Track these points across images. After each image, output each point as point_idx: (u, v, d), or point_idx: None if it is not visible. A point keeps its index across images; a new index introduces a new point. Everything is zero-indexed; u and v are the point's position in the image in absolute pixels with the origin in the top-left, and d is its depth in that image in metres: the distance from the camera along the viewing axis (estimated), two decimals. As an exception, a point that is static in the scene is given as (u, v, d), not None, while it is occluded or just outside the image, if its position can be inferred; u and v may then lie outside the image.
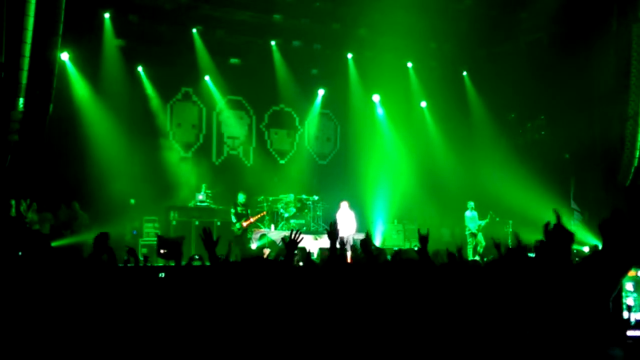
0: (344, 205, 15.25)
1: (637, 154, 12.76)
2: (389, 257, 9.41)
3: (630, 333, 5.07)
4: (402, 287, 5.36)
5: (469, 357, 4.63)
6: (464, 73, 18.32)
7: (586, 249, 13.46)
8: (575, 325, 4.27)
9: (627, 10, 13.29)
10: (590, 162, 14.60)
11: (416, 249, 10.16)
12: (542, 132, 16.87)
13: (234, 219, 14.14)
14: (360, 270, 5.54)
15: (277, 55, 17.09)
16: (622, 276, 5.37)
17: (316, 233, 15.61)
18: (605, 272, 4.39)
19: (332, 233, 5.68)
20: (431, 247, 7.42)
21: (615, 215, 4.29)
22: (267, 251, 12.91)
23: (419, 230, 5.84)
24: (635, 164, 12.71)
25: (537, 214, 14.37)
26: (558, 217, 4.75)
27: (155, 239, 13.33)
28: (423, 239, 5.73)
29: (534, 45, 15.64)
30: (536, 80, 15.58)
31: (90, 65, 14.62)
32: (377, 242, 16.08)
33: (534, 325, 4.51)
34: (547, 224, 4.78)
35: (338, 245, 5.84)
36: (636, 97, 12.91)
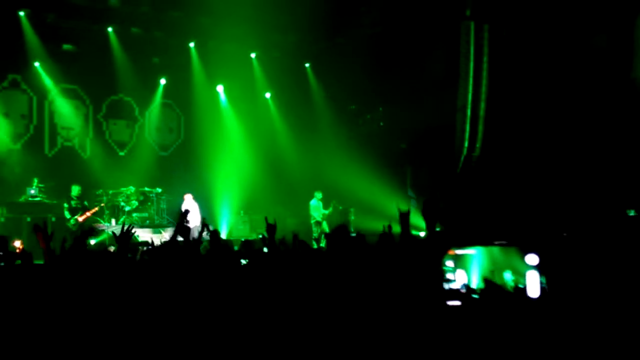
0: (188, 197, 14.98)
1: (466, 143, 13.66)
2: (236, 247, 9.38)
3: (449, 302, 5.65)
4: (252, 276, 5.39)
5: (313, 338, 4.73)
6: (307, 64, 18.61)
7: (422, 234, 14.26)
8: (406, 297, 4.56)
9: (456, 8, 14.16)
10: (425, 151, 15.41)
11: (261, 237, 10.23)
12: (381, 123, 17.55)
13: (67, 214, 13.40)
14: (209, 262, 5.48)
15: (114, 42, 16.33)
16: (443, 255, 5.83)
17: (160, 226, 15.18)
18: (428, 252, 4.71)
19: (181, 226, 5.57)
20: (278, 236, 7.46)
21: (430, 199, 4.60)
22: (112, 248, 12.40)
23: (266, 219, 5.88)
24: (465, 152, 13.61)
25: (377, 202, 15.03)
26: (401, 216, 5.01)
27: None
28: (270, 228, 5.78)
29: (374, 38, 16.19)
30: (375, 72, 16.17)
31: None
32: (224, 233, 15.99)
33: (372, 302, 4.72)
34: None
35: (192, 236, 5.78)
36: (464, 90, 13.82)
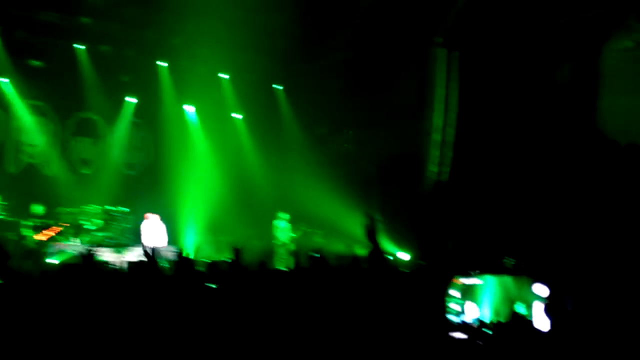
0: (153, 217, 14.86)
1: (435, 168, 13.80)
2: (202, 268, 9.25)
3: (454, 334, 5.49)
4: (219, 295, 5.35)
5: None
6: (279, 87, 18.65)
7: (390, 258, 14.28)
8: (405, 327, 4.50)
9: (427, 35, 14.37)
10: (394, 175, 15.50)
11: (229, 260, 10.13)
12: (350, 146, 17.63)
13: (28, 232, 13.15)
14: (174, 281, 5.43)
15: (84, 60, 16.18)
16: (446, 286, 5.76)
17: (122, 246, 14.92)
18: (428, 282, 4.70)
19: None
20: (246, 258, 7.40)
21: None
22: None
23: (232, 244, 5.95)
24: (433, 177, 13.75)
25: (345, 225, 15.03)
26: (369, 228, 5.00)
27: None
28: (237, 251, 5.81)
29: (345, 62, 16.32)
30: (346, 96, 16.28)
31: None
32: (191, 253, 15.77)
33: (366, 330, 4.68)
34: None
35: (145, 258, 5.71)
36: (433, 116, 14.00)
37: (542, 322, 6.09)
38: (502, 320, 6.99)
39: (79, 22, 15.50)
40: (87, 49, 16.20)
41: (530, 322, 6.32)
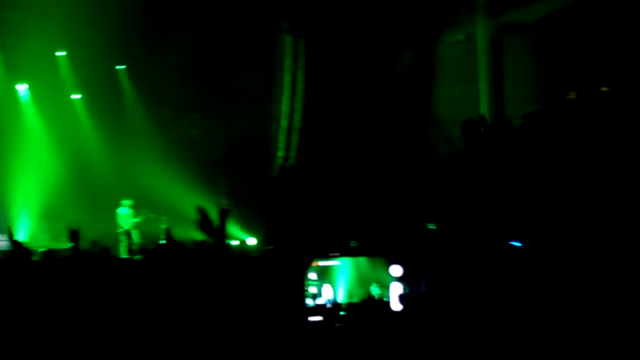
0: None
1: (281, 153, 13.98)
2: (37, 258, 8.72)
3: (311, 319, 5.55)
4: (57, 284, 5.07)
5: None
6: (120, 67, 17.89)
7: (235, 243, 14.33)
8: (264, 313, 4.50)
9: (274, 20, 14.48)
10: (241, 160, 15.51)
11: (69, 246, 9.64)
12: (198, 130, 17.37)
13: None
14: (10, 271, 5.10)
15: None
16: (305, 269, 5.80)
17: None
18: (280, 266, 4.71)
19: None
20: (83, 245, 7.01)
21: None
22: None
23: (70, 228, 5.61)
24: (280, 162, 13.92)
25: (190, 210, 14.81)
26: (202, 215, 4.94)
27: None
28: (73, 234, 5.52)
29: (191, 44, 16.00)
30: (192, 79, 15.99)
31: None
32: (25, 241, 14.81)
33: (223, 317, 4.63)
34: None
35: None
36: (280, 101, 14.16)
37: (397, 303, 6.33)
38: (356, 301, 7.23)
39: None
40: None
41: (386, 303, 6.56)
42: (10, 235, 5.89)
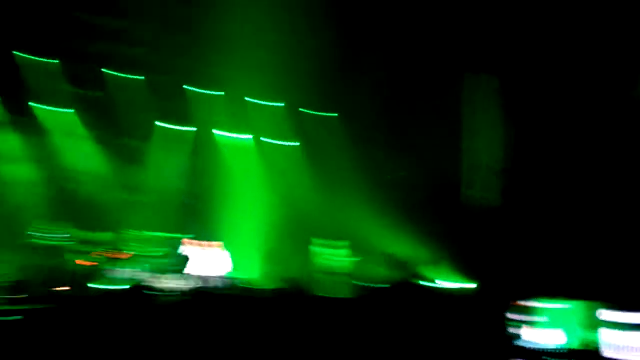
0: (213, 244, 15.07)
1: (478, 193, 13.66)
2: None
3: None
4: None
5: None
6: (333, 114, 18.73)
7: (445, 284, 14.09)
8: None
9: (465, 60, 14.29)
10: (440, 199, 15.34)
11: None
12: (403, 173, 17.49)
13: (89, 258, 13.53)
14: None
15: (137, 89, 16.78)
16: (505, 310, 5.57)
17: (181, 273, 15.06)
18: (484, 307, 4.58)
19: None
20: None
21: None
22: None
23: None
24: (471, 201, 13.62)
25: (400, 251, 14.92)
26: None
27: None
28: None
29: (384, 83, 16.33)
30: (396, 120, 16.28)
31: None
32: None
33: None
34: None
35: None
36: (474, 140, 13.89)
37: (610, 349, 5.86)
38: (577, 347, 6.76)
39: (129, 53, 15.96)
40: (144, 78, 16.67)
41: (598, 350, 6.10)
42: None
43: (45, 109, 15.96)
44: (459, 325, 5.15)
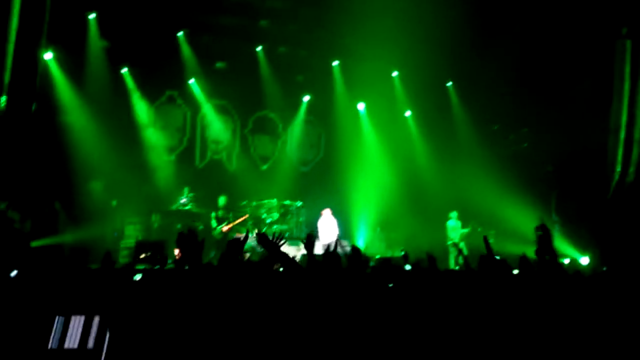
0: (327, 212, 15.24)
1: (618, 168, 12.90)
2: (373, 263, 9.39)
3: None
4: (393, 292, 5.42)
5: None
6: (449, 83, 18.43)
7: (567, 261, 13.59)
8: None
9: (611, 27, 13.46)
10: (572, 175, 14.74)
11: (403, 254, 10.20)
12: (525, 144, 17.00)
13: (214, 223, 14.05)
14: (349, 275, 5.56)
15: (262, 61, 17.06)
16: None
17: (299, 239, 15.52)
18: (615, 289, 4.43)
19: (309, 243, 5.75)
20: (412, 255, 7.28)
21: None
22: (247, 255, 12.75)
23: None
24: (617, 177, 12.85)
25: (519, 225, 14.52)
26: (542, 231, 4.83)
27: (135, 241, 13.22)
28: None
29: (518, 57, 15.73)
30: (520, 92, 15.70)
31: (74, 65, 14.45)
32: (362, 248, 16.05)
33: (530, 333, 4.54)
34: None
35: (320, 252, 5.92)
36: (618, 112, 13.08)
37: None
38: None
39: (258, 25, 16.33)
40: (266, 50, 17.03)
41: None
42: (341, 244, 6.42)
43: (189, 83, 16.72)
44: (587, 304, 4.98)
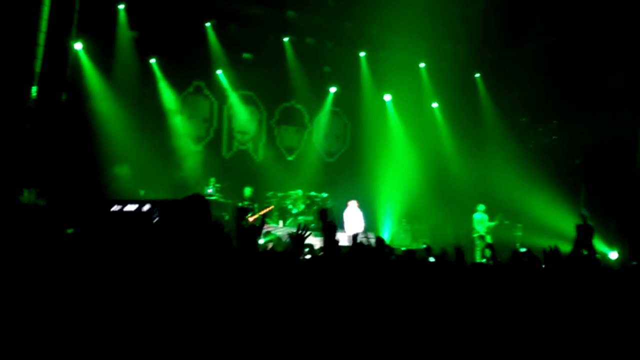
0: (352, 204, 15.25)
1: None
2: (392, 257, 9.35)
3: None
4: (414, 284, 5.39)
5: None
6: (476, 75, 18.28)
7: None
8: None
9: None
10: (601, 167, 14.56)
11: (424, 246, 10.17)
12: (554, 137, 16.82)
13: (240, 214, 14.13)
14: (373, 266, 5.55)
15: (289, 52, 17.07)
16: None
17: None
18: None
19: (327, 231, 5.75)
20: (437, 247, 7.23)
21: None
22: (270, 245, 12.80)
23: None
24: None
25: (546, 218, 14.38)
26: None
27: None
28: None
29: (547, 49, 15.56)
30: (548, 84, 15.54)
31: (103, 55, 14.60)
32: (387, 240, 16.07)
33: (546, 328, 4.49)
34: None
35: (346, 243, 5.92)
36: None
37: None
38: None
39: (285, 15, 16.36)
40: (292, 41, 17.04)
41: None
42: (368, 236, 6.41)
43: (216, 73, 16.79)
44: (614, 299, 4.91)
